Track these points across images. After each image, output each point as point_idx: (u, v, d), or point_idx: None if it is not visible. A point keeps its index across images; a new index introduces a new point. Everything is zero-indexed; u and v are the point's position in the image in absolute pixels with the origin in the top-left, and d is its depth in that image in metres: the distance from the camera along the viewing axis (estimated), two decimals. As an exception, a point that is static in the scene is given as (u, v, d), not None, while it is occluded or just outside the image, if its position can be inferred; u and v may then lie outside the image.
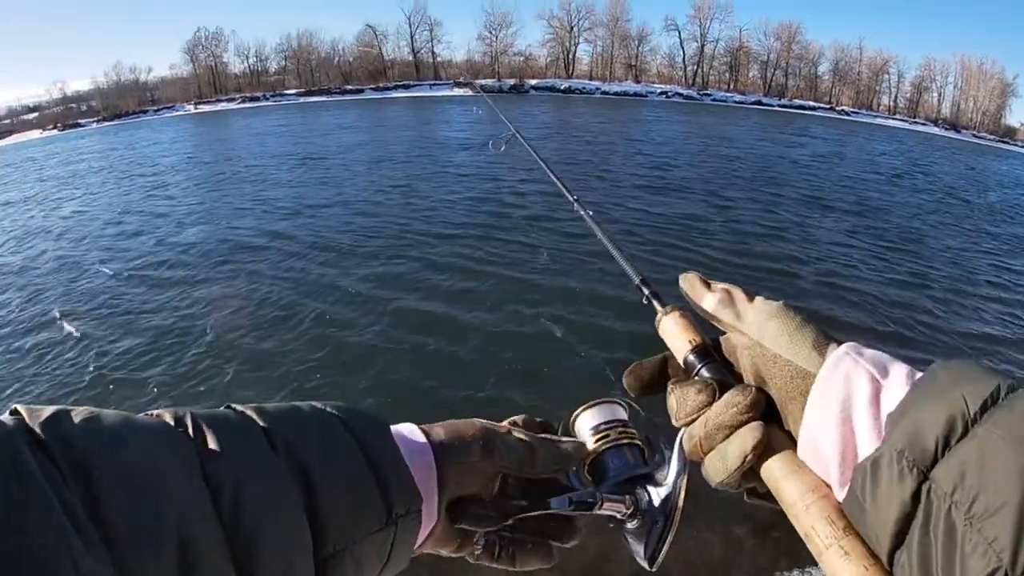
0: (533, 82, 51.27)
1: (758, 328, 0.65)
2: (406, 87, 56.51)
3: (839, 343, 0.58)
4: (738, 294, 0.73)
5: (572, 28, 58.35)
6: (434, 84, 56.25)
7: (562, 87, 51.11)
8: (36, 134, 61.49)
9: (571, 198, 1.60)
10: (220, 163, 24.12)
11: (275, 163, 21.90)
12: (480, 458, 0.68)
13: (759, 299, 0.71)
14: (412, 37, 62.97)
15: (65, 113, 67.87)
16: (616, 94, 51.08)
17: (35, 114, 71.34)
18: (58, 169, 26.97)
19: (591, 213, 1.48)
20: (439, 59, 62.73)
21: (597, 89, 52.06)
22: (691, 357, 0.73)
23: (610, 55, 59.73)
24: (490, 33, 59.04)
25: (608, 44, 59.85)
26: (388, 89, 56.86)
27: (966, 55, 57.00)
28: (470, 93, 50.13)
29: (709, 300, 0.73)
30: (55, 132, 60.37)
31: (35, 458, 0.38)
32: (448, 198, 13.98)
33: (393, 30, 63.70)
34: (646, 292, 0.98)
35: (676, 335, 0.78)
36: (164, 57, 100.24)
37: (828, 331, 0.61)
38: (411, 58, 62.98)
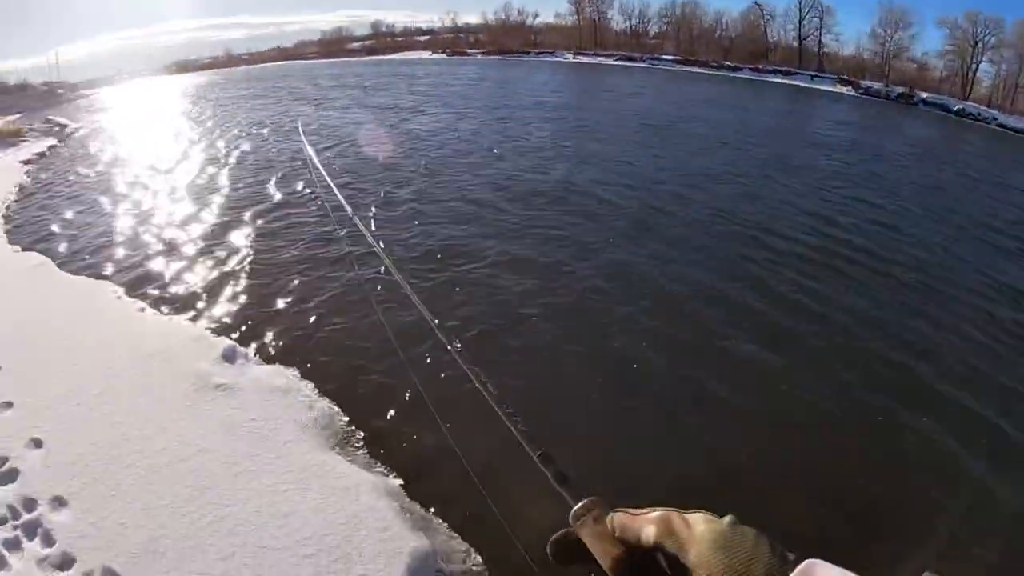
0: (924, 95, 46.52)
1: (703, 562, 0.63)
2: (785, 74, 54.32)
3: (795, 563, 0.56)
4: (675, 520, 0.70)
5: (976, 43, 51.08)
6: (815, 76, 53.49)
7: (955, 108, 45.52)
8: (426, 54, 67.65)
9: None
10: (584, 111, 25.14)
11: (632, 125, 22.67)
12: None
13: (699, 520, 0.68)
14: (800, 22, 60.23)
15: (454, 40, 74.51)
16: (1015, 130, 43.75)
17: (426, 37, 78.41)
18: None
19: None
20: (825, 50, 59.02)
21: (994, 119, 45.59)
22: None
23: (1014, 82, 51.22)
24: (884, 31, 54.47)
25: (1014, 69, 51.24)
26: (766, 72, 54.96)
27: None
28: (853, 92, 46.71)
29: (648, 532, 0.71)
30: (442, 56, 65.85)
31: None
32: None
33: (781, 11, 61.65)
34: (548, 474, 0.94)
35: (596, 544, 0.76)
36: (551, 5, 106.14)
37: (779, 546, 0.60)
38: (796, 44, 59.91)
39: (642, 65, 60.44)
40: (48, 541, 3.98)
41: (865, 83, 49.13)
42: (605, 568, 0.74)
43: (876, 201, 14.12)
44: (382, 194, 12.39)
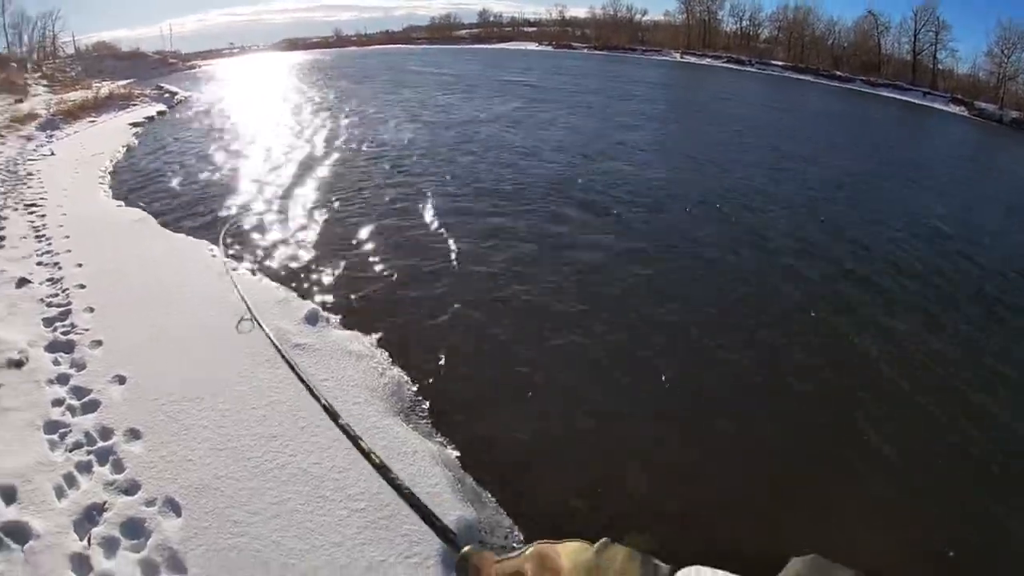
0: (1039, 121, 43.53)
1: None
2: (899, 88, 51.75)
3: (670, 573, 0.60)
4: (548, 554, 0.73)
5: (1095, 68, 47.27)
6: (928, 93, 50.90)
7: (1071, 137, 42.21)
8: (533, 45, 68.17)
9: None
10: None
11: (727, 138, 20.65)
12: None
13: (570, 549, 0.72)
14: (915, 36, 57.55)
15: (560, 33, 74.60)
16: None
17: (534, 28, 78.88)
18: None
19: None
20: (939, 67, 56.34)
21: (1113, 151, 41.85)
22: None
23: None
24: (1002, 52, 51.34)
25: None
26: (879, 85, 52.70)
27: None
28: (965, 113, 44.43)
29: (526, 572, 0.74)
30: (549, 48, 65.94)
31: None
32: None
33: (896, 23, 58.96)
34: (439, 525, 1.11)
35: None
36: (661, 2, 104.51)
37: (651, 560, 0.63)
38: (909, 58, 57.38)
39: (751, 69, 58.96)
40: (118, 468, 4.20)
41: (979, 104, 46.74)
42: None
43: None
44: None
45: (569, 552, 0.72)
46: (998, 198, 16.68)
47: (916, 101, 49.53)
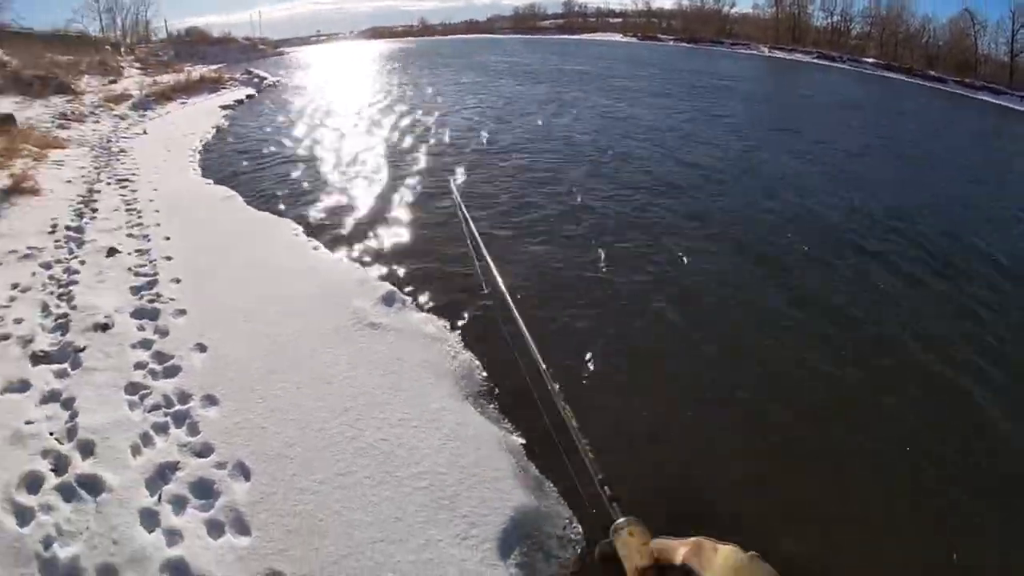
0: None
1: None
2: (994, 92, 48.99)
3: None
4: (706, 546, 0.82)
5: None
6: (1026, 98, 47.99)
7: None
8: (617, 37, 67.67)
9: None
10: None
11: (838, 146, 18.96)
12: None
13: (726, 550, 0.79)
14: (1013, 36, 54.43)
15: (646, 25, 73.78)
16: None
17: (619, 19, 78.35)
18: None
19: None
20: (1037, 71, 53.33)
21: None
22: None
23: None
24: (1106, 54, 48.17)
25: None
26: (974, 88, 49.85)
27: None
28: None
29: (680, 553, 0.84)
30: (634, 40, 65.62)
31: None
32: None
33: (994, 22, 55.78)
34: (606, 495, 1.35)
35: (626, 555, 0.98)
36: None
37: None
38: (1007, 59, 54.41)
39: (842, 66, 56.85)
40: (193, 431, 4.32)
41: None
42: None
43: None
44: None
45: (725, 552, 0.79)
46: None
47: (1015, 107, 47.00)
